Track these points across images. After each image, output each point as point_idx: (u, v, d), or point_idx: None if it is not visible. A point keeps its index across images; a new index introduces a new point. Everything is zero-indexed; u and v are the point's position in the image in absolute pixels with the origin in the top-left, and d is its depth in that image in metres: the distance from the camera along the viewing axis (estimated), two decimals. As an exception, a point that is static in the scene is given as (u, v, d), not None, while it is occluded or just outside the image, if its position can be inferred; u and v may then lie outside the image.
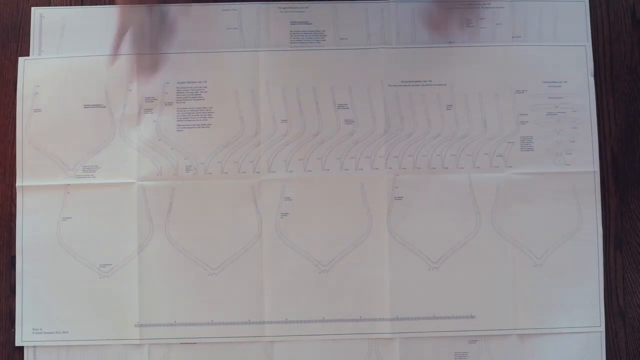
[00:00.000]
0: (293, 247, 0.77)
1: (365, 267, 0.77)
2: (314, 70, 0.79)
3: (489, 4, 0.80)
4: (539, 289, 0.77)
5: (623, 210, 0.79)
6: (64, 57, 0.79)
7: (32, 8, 0.80)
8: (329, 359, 0.76)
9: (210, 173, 0.78)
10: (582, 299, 0.77)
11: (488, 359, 0.76)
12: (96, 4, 0.80)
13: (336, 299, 0.76)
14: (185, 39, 0.79)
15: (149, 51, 0.77)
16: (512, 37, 0.80)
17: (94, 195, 0.77)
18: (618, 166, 0.79)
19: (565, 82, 0.79)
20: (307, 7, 0.80)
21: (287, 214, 0.77)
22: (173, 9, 0.78)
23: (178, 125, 0.78)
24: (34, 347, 0.76)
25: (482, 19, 0.80)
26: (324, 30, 0.80)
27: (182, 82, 0.79)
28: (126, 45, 0.78)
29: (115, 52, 0.76)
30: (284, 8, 0.80)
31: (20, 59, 0.79)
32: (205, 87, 0.79)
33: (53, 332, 0.76)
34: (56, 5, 0.80)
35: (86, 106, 0.78)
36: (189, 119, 0.78)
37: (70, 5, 0.80)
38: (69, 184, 0.77)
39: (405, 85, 0.79)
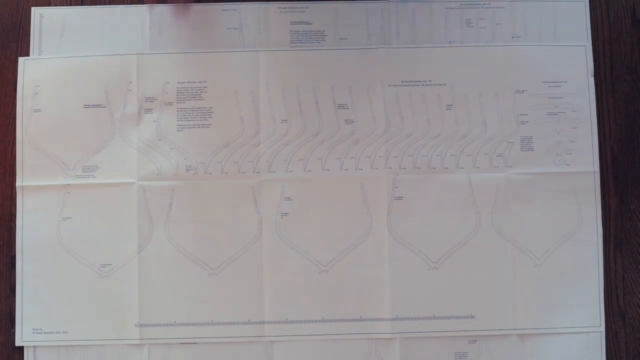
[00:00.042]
0: (293, 247, 0.77)
1: (365, 267, 0.77)
2: (314, 70, 0.79)
3: (489, 4, 0.80)
4: (539, 289, 0.77)
5: (623, 210, 0.79)
6: (64, 57, 0.79)
7: (32, 8, 0.80)
8: (329, 359, 0.76)
9: (210, 173, 0.78)
10: (582, 299, 0.77)
11: (488, 359, 0.76)
12: (96, 4, 0.80)
13: (336, 299, 0.76)
14: (185, 39, 0.79)
15: None
16: (512, 37, 0.80)
17: (94, 195, 0.77)
18: (618, 166, 0.79)
19: (565, 82, 0.79)
20: (307, 7, 0.80)
21: (287, 214, 0.77)
22: None
23: (178, 125, 0.78)
24: (34, 347, 0.76)
25: (482, 19, 0.80)
26: (324, 30, 0.80)
27: (182, 82, 0.79)
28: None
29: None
30: (284, 8, 0.80)
31: (20, 59, 0.79)
32: (205, 87, 0.79)
33: (53, 332, 0.76)
34: (56, 5, 0.80)
35: (86, 106, 0.78)
36: (189, 119, 0.78)
37: (70, 5, 0.80)
38: (69, 184, 0.77)
39: (405, 85, 0.79)
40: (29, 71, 0.78)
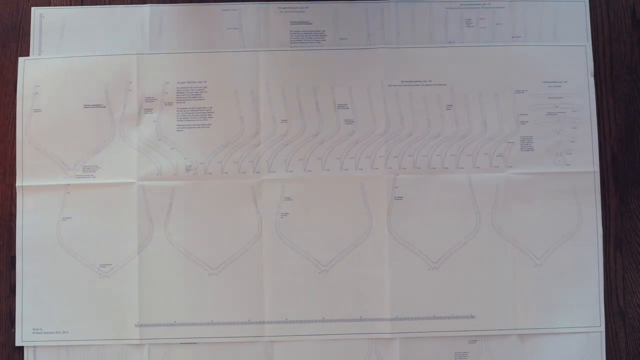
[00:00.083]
0: (293, 247, 0.77)
1: (365, 267, 0.77)
2: (314, 70, 0.79)
3: (489, 4, 0.80)
4: (539, 289, 0.77)
5: (623, 210, 0.79)
6: (64, 57, 0.79)
7: (32, 8, 0.80)
8: (329, 359, 0.76)
9: (210, 173, 0.78)
10: (582, 299, 0.77)
11: (488, 359, 0.76)
12: (96, 4, 0.80)
13: (336, 299, 0.76)
14: (185, 39, 0.79)
15: None
16: (512, 37, 0.80)
17: (94, 195, 0.77)
18: (618, 166, 0.79)
19: (565, 82, 0.79)
20: (307, 7, 0.80)
21: (287, 214, 0.77)
22: None
23: (178, 125, 0.78)
24: (34, 347, 0.76)
25: (482, 19, 0.80)
26: (324, 30, 0.80)
27: (182, 82, 0.79)
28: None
29: None
30: (284, 8, 0.80)
31: (20, 59, 0.79)
32: (205, 87, 0.79)
33: (53, 332, 0.76)
34: (56, 5, 0.80)
35: (86, 106, 0.78)
36: (189, 119, 0.78)
37: (70, 5, 0.80)
38: (69, 184, 0.77)
39: (405, 85, 0.79)
40: (29, 71, 0.78)
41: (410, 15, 0.80)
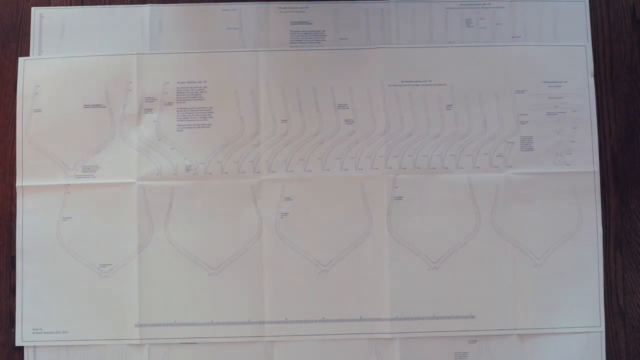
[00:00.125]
0: (293, 247, 0.77)
1: (365, 267, 0.77)
2: (314, 70, 0.79)
3: (489, 4, 0.80)
4: (539, 289, 0.77)
5: (623, 210, 0.79)
6: (64, 57, 0.79)
7: (32, 8, 0.80)
8: (329, 359, 0.76)
9: (210, 173, 0.78)
10: (582, 299, 0.77)
11: (488, 359, 0.76)
12: (96, 4, 0.80)
13: (336, 299, 0.76)
14: (185, 39, 0.79)
15: None
16: (512, 37, 0.80)
17: (94, 195, 0.77)
18: (618, 166, 0.79)
19: (565, 82, 0.79)
20: (307, 7, 0.80)
21: (287, 214, 0.77)
22: None
23: (178, 125, 0.78)
24: (34, 347, 0.76)
25: (482, 19, 0.80)
26: (324, 30, 0.80)
27: (182, 82, 0.79)
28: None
29: None
30: (284, 8, 0.80)
31: (20, 59, 0.79)
32: (205, 87, 0.79)
33: (53, 332, 0.76)
34: (56, 5, 0.80)
35: (86, 106, 0.78)
36: (189, 119, 0.78)
37: (70, 5, 0.80)
38: (69, 184, 0.77)
39: (405, 85, 0.79)
40: (29, 71, 0.78)
41: (410, 15, 0.80)
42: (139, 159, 0.78)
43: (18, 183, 0.77)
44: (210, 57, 0.79)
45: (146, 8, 0.79)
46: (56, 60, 0.79)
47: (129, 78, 0.78)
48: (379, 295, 0.76)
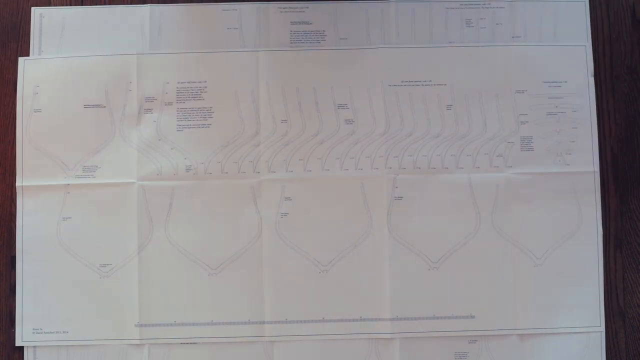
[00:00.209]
0: (293, 247, 0.77)
1: (365, 267, 0.77)
2: (314, 70, 0.79)
3: (489, 4, 0.80)
4: (539, 289, 0.77)
5: (623, 210, 0.79)
6: (64, 57, 0.79)
7: (32, 8, 0.80)
8: (329, 359, 0.76)
9: (210, 173, 0.78)
10: (582, 299, 0.77)
11: (488, 359, 0.76)
12: (96, 4, 0.80)
13: (336, 299, 0.76)
14: (185, 39, 0.79)
15: None
16: (512, 37, 0.80)
17: (94, 195, 0.77)
18: (618, 166, 0.79)
19: (565, 82, 0.79)
20: (307, 7, 0.80)
21: (287, 214, 0.77)
22: None
23: (178, 125, 0.78)
24: (34, 347, 0.76)
25: (482, 19, 0.80)
26: (324, 30, 0.80)
27: (182, 82, 0.79)
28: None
29: None
30: (284, 8, 0.80)
31: (20, 59, 0.79)
32: (205, 87, 0.79)
33: (53, 332, 0.76)
34: (56, 5, 0.80)
35: (86, 106, 0.78)
36: (189, 119, 0.78)
37: (70, 5, 0.80)
38: (69, 184, 0.77)
39: (405, 85, 0.79)
40: (29, 71, 0.79)
41: (410, 15, 0.80)
42: (139, 159, 0.78)
43: (18, 183, 0.77)
44: (210, 57, 0.79)
45: (146, 8, 0.79)
46: (56, 60, 0.79)
47: (128, 78, 0.78)
48: (379, 295, 0.76)
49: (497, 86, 0.79)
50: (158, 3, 0.80)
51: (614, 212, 0.79)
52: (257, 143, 0.78)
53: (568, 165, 0.78)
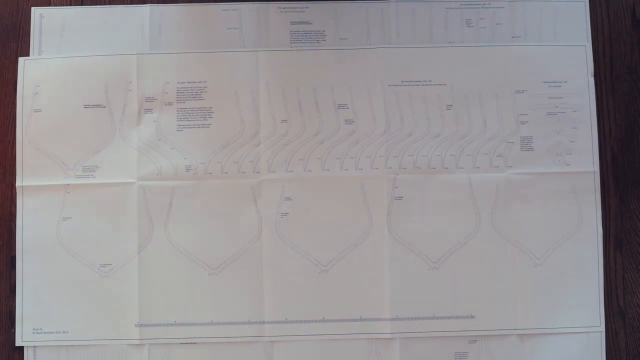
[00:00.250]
0: (293, 247, 0.77)
1: (365, 267, 0.77)
2: (314, 70, 0.79)
3: (489, 4, 0.80)
4: (539, 289, 0.77)
5: (623, 210, 0.79)
6: (64, 57, 0.79)
7: (32, 8, 0.80)
8: (329, 359, 0.76)
9: (210, 173, 0.78)
10: (582, 299, 0.77)
11: (488, 359, 0.76)
12: (96, 4, 0.80)
13: (336, 299, 0.76)
14: (185, 39, 0.79)
15: None
16: (512, 37, 0.80)
17: (94, 195, 0.77)
18: (618, 166, 0.79)
19: (565, 82, 0.79)
20: (307, 7, 0.80)
21: (287, 214, 0.77)
22: None
23: (178, 125, 0.78)
24: (34, 347, 0.76)
25: (482, 19, 0.80)
26: (324, 30, 0.80)
27: (182, 82, 0.79)
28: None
29: None
30: (284, 8, 0.80)
31: (20, 59, 0.79)
32: (205, 87, 0.79)
33: (53, 332, 0.76)
34: (56, 5, 0.80)
35: (86, 106, 0.78)
36: (189, 119, 0.78)
37: (70, 5, 0.80)
38: (69, 184, 0.77)
39: (405, 85, 0.79)
40: (29, 71, 0.79)
41: (410, 15, 0.80)
42: (139, 159, 0.78)
43: (18, 183, 0.77)
44: (210, 57, 0.79)
45: (146, 8, 0.79)
46: (56, 60, 0.79)
47: (128, 78, 0.78)
48: (379, 295, 0.76)
49: (497, 86, 0.79)
50: (158, 3, 0.80)
51: (614, 212, 0.79)
52: (257, 143, 0.78)
53: (568, 165, 0.78)
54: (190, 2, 0.80)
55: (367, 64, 0.79)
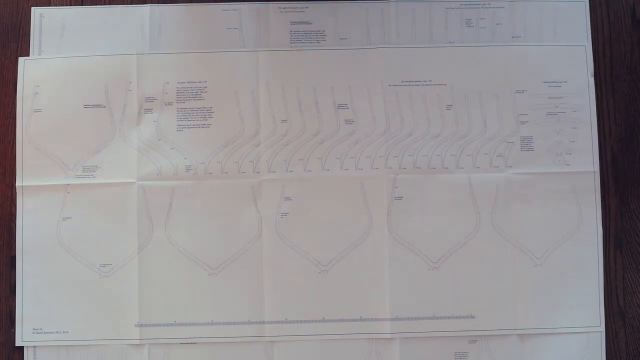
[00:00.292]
0: (293, 247, 0.77)
1: (365, 267, 0.77)
2: (314, 70, 0.79)
3: (489, 4, 0.80)
4: (539, 289, 0.77)
5: (623, 210, 0.79)
6: (64, 57, 0.79)
7: (32, 8, 0.80)
8: (329, 359, 0.76)
9: (210, 173, 0.78)
10: (582, 299, 0.77)
11: (488, 359, 0.76)
12: (96, 4, 0.80)
13: (336, 299, 0.76)
14: (185, 39, 0.79)
15: None
16: (512, 37, 0.80)
17: (94, 195, 0.77)
18: (618, 166, 0.79)
19: (565, 82, 0.79)
20: (307, 7, 0.80)
21: (287, 214, 0.77)
22: None
23: (178, 125, 0.78)
24: (34, 347, 0.76)
25: (482, 19, 0.80)
26: (324, 30, 0.80)
27: (182, 82, 0.79)
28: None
29: None
30: (284, 8, 0.80)
31: (20, 59, 0.79)
32: (205, 87, 0.79)
33: (53, 332, 0.76)
34: (56, 5, 0.80)
35: (86, 106, 0.78)
36: (189, 119, 0.78)
37: (70, 5, 0.80)
38: (69, 184, 0.77)
39: (405, 85, 0.79)
40: (29, 71, 0.79)
41: (410, 15, 0.80)
42: (139, 159, 0.78)
43: (18, 183, 0.77)
44: (210, 57, 0.79)
45: (146, 8, 0.79)
46: (56, 60, 0.79)
47: (128, 78, 0.78)
48: (379, 295, 0.76)
49: (497, 86, 0.79)
50: (158, 3, 0.80)
51: (614, 212, 0.79)
52: (257, 143, 0.78)
53: (568, 165, 0.78)
54: (190, 2, 0.80)
55: (367, 64, 0.79)
